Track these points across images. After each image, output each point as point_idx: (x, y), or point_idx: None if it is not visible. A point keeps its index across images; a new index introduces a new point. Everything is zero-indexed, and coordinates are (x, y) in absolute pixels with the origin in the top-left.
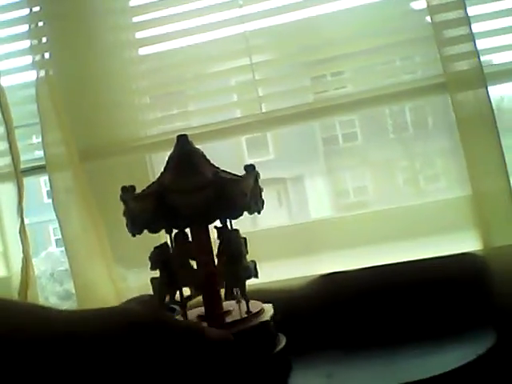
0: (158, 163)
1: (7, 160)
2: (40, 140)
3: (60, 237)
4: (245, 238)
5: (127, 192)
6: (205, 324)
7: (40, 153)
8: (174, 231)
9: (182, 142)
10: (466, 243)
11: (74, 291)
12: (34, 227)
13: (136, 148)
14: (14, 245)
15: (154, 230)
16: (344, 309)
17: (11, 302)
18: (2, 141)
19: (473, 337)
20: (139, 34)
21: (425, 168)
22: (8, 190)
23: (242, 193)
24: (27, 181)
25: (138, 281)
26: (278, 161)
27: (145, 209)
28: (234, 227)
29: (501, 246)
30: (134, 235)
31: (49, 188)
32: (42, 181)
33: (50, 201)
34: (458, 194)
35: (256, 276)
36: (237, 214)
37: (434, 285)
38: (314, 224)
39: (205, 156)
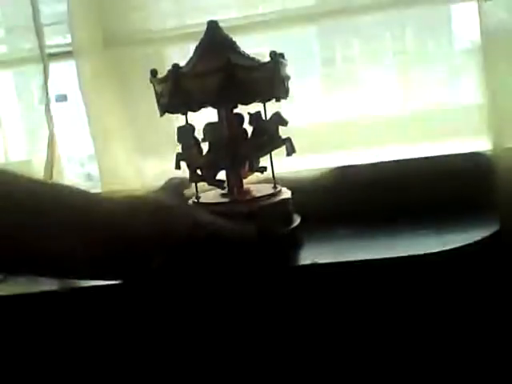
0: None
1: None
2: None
3: None
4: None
5: (152, 75)
6: (227, 199)
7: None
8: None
9: (211, 27)
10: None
11: (94, 174)
12: None
13: (154, 39)
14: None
15: (172, 112)
16: (355, 197)
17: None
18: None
19: (476, 221)
20: None
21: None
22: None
23: (254, 80)
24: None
25: (156, 168)
26: None
27: (164, 92)
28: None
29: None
30: (161, 116)
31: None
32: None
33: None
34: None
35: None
36: (248, 100)
37: (441, 178)
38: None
39: (233, 43)
